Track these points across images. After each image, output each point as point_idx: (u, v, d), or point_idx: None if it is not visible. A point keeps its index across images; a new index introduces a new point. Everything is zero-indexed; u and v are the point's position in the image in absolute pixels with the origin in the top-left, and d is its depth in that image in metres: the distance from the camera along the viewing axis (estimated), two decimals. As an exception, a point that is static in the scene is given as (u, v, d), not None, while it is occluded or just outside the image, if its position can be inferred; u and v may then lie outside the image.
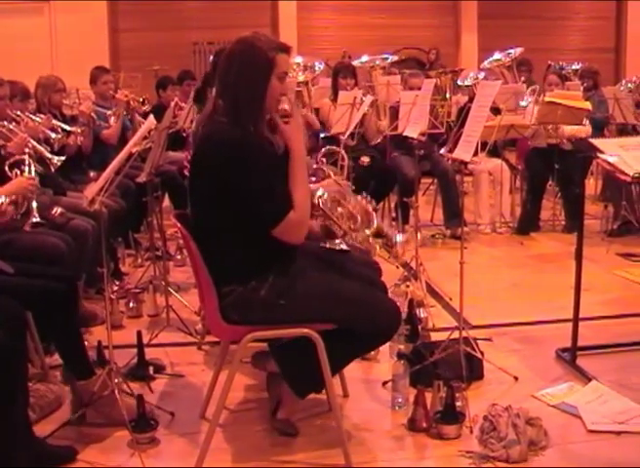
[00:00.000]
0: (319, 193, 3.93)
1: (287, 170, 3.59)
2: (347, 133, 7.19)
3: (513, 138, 8.50)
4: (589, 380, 4.41)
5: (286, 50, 3.58)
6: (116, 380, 4.07)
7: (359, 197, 4.11)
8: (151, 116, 4.85)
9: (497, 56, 10.73)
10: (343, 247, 3.97)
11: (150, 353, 4.74)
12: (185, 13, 15.48)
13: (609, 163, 4.35)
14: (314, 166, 4.74)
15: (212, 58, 5.53)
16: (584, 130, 8.12)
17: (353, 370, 4.07)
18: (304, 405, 3.97)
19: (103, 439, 3.85)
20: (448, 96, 10.14)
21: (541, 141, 8.21)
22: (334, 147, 5.33)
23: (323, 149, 5.02)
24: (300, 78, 9.15)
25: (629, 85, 10.70)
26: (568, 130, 8.12)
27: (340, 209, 4.00)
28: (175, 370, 4.70)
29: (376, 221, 4.09)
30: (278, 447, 3.79)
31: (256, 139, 3.49)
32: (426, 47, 15.54)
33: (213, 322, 3.64)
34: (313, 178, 4.61)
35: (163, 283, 5.59)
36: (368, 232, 4.09)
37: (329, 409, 3.89)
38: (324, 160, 4.97)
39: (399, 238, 4.16)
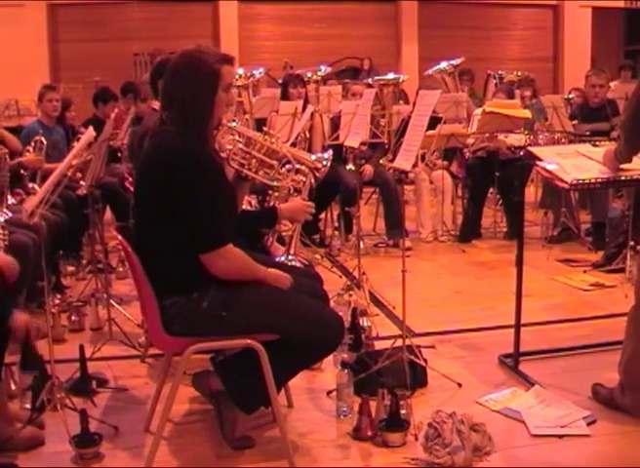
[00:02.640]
0: (228, 146, 3.99)
1: (234, 196, 3.63)
2: (289, 143, 7.20)
3: (454, 147, 8.57)
4: (532, 385, 4.45)
5: (230, 61, 3.59)
6: (59, 395, 4.02)
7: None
8: (90, 128, 4.82)
9: (442, 64, 10.84)
10: (294, 263, 4.01)
11: (93, 367, 4.69)
12: (126, 23, 15.38)
13: (547, 171, 4.40)
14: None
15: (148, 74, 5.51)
16: (524, 139, 8.23)
17: (297, 379, 4.05)
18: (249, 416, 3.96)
19: (46, 455, 3.80)
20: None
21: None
22: (301, 167, 5.35)
23: (288, 165, 5.03)
24: (239, 83, 9.15)
25: (570, 95, 10.86)
26: (507, 141, 8.23)
27: (253, 160, 4.05)
28: (118, 384, 4.65)
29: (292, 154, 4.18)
30: (224, 458, 3.76)
31: (205, 153, 3.50)
32: (366, 57, 15.60)
33: (155, 334, 3.62)
34: (276, 194, 4.63)
35: (105, 296, 5.54)
36: (299, 197, 4.22)
37: (274, 419, 3.88)
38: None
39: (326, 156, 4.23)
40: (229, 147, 4.05)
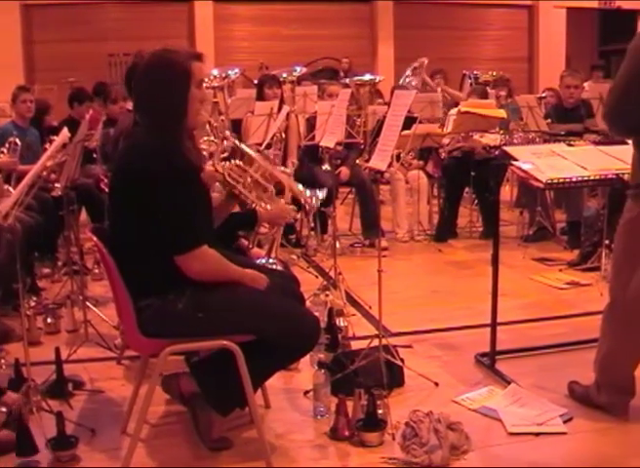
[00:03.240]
0: (223, 164, 4.00)
1: (209, 197, 3.67)
2: (265, 143, 7.20)
3: (430, 147, 8.59)
4: (508, 384, 4.47)
5: (199, 57, 3.59)
6: (35, 398, 4.00)
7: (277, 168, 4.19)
8: (65, 129, 4.80)
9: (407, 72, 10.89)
10: (275, 267, 4.02)
11: (69, 369, 4.66)
12: (101, 24, 15.32)
13: (522, 170, 4.42)
14: None
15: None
16: (499, 138, 8.27)
17: (274, 380, 4.05)
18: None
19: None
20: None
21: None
22: (283, 168, 5.37)
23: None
24: (214, 84, 9.14)
25: (543, 94, 10.92)
26: (483, 141, 8.27)
27: (248, 178, 4.04)
28: (94, 386, 4.63)
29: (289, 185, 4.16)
30: (201, 460, 3.75)
31: (180, 154, 3.49)
32: (342, 57, 15.61)
33: (131, 336, 3.61)
34: None
35: (81, 297, 5.52)
36: (282, 200, 4.18)
37: (251, 420, 3.88)
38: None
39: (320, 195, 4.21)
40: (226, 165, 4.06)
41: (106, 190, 4.34)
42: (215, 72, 9.83)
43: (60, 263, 7.14)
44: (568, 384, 4.33)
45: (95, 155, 8.00)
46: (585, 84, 9.28)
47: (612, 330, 4.02)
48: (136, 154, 3.51)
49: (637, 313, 3.89)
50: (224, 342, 3.51)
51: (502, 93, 10.37)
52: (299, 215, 7.71)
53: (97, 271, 6.85)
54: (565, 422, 4.02)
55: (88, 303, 5.55)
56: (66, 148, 5.55)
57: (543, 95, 10.83)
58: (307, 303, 4.16)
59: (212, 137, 5.12)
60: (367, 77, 9.43)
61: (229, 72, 10.20)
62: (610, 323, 4.04)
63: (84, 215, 7.83)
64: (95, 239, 3.63)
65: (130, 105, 4.78)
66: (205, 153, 5.25)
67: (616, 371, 4.04)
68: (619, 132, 4.05)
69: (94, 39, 15.10)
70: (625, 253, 3.89)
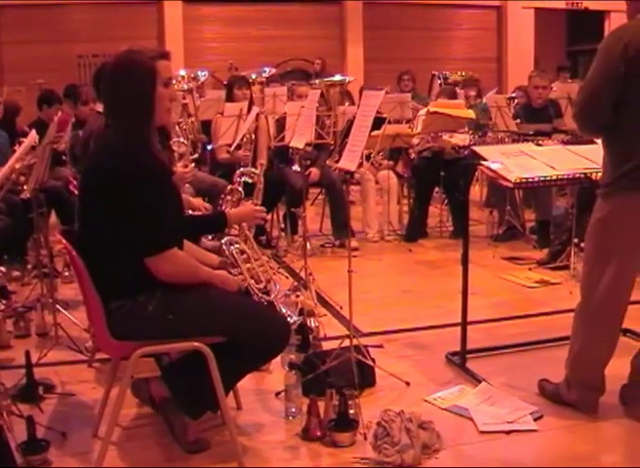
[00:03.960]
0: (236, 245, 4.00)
1: (179, 198, 3.68)
2: (234, 144, 7.20)
3: (399, 147, 8.61)
4: (479, 382, 4.49)
5: (165, 56, 3.59)
6: (4, 402, 3.97)
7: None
8: (33, 131, 4.78)
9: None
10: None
11: (40, 373, 4.63)
12: (70, 25, 15.22)
13: (491, 170, 4.44)
14: (230, 186, 4.75)
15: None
16: (468, 138, 8.32)
17: (246, 381, 4.04)
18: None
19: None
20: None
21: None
22: (251, 169, 5.36)
23: (239, 170, 5.03)
24: (184, 87, 9.13)
25: (513, 95, 10.98)
26: (452, 141, 8.31)
27: (247, 265, 4.03)
28: (65, 390, 4.60)
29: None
30: (174, 461, 3.74)
31: (150, 155, 3.48)
32: (312, 58, 15.62)
33: (101, 339, 3.60)
34: (228, 198, 4.61)
35: (51, 300, 5.49)
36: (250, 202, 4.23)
37: (223, 422, 3.88)
38: (240, 180, 4.96)
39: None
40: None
41: (76, 192, 4.32)
42: (182, 73, 9.82)
43: (29, 266, 7.09)
44: (538, 382, 4.35)
45: (64, 157, 7.96)
46: (554, 84, 9.34)
47: (583, 328, 4.04)
48: (105, 155, 3.50)
49: (608, 312, 3.93)
50: (195, 344, 3.50)
51: (472, 93, 10.41)
52: (268, 216, 7.74)
53: (67, 274, 6.81)
54: (535, 420, 4.05)
55: (58, 306, 5.52)
56: (35, 150, 5.52)
57: (513, 95, 10.89)
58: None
59: (181, 139, 5.12)
60: (337, 78, 9.44)
61: (198, 74, 10.20)
62: (581, 322, 4.06)
63: (53, 218, 7.77)
64: (64, 241, 3.62)
65: (99, 107, 4.76)
66: (175, 154, 5.26)
67: (586, 370, 4.06)
68: (589, 131, 4.08)
69: (62, 40, 15.00)
70: (596, 252, 3.91)
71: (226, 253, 3.99)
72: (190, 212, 4.96)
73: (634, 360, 4.14)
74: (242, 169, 4.65)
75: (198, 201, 5.31)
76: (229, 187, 4.63)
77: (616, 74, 3.62)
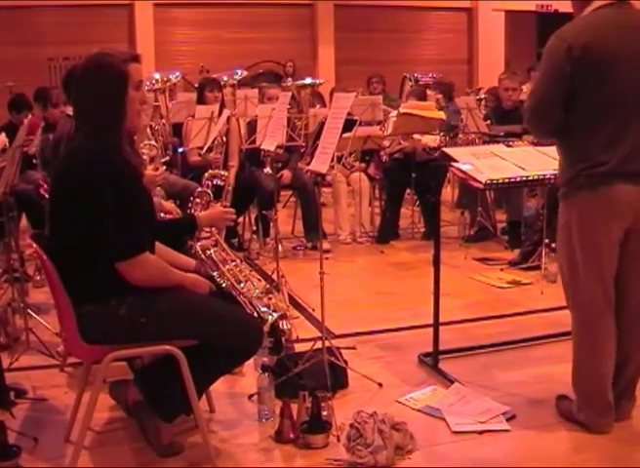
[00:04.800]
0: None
1: (151, 202, 3.68)
2: (205, 147, 7.19)
3: (371, 149, 8.63)
4: (451, 383, 4.50)
5: (136, 58, 3.58)
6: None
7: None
8: (3, 134, 4.75)
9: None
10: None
11: (11, 377, 4.60)
12: (40, 27, 15.11)
13: (462, 171, 4.47)
14: (199, 189, 4.74)
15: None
16: (438, 139, 8.35)
17: (218, 384, 4.03)
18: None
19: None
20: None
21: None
22: (220, 171, 5.34)
23: (208, 172, 5.02)
24: (156, 87, 9.10)
25: (482, 96, 11.03)
26: (423, 140, 8.33)
27: (227, 266, 4.03)
28: (37, 394, 4.57)
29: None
30: (146, 465, 3.73)
31: (120, 159, 3.47)
32: (284, 60, 15.62)
33: (73, 343, 3.58)
34: (198, 200, 4.60)
35: (22, 305, 5.45)
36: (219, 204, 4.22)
37: (196, 425, 3.87)
38: (209, 183, 4.95)
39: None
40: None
41: (46, 196, 4.31)
42: (156, 76, 9.78)
43: (0, 270, 7.04)
44: (555, 398, 4.22)
45: (35, 160, 7.91)
46: (524, 86, 9.37)
47: (576, 343, 3.95)
48: (76, 159, 3.48)
49: (593, 320, 3.83)
50: (167, 347, 3.50)
51: (438, 96, 10.42)
52: (240, 219, 7.74)
53: (38, 278, 6.76)
54: (508, 420, 4.07)
55: (29, 311, 5.48)
56: (5, 154, 5.49)
57: (482, 96, 10.93)
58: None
59: (153, 142, 5.10)
60: (308, 80, 9.45)
61: (170, 76, 10.16)
62: (573, 336, 3.98)
63: (24, 222, 7.73)
64: (35, 246, 3.60)
65: (69, 110, 4.74)
66: (146, 157, 5.24)
67: (589, 387, 3.92)
68: (542, 134, 4.12)
69: (33, 43, 14.89)
70: (568, 259, 3.88)
71: (203, 256, 3.99)
72: (162, 215, 4.95)
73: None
74: (210, 171, 4.63)
75: (169, 204, 5.30)
76: (198, 190, 4.62)
77: (562, 76, 3.61)
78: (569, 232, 3.80)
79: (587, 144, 3.68)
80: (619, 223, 3.69)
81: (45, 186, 6.43)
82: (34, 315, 5.57)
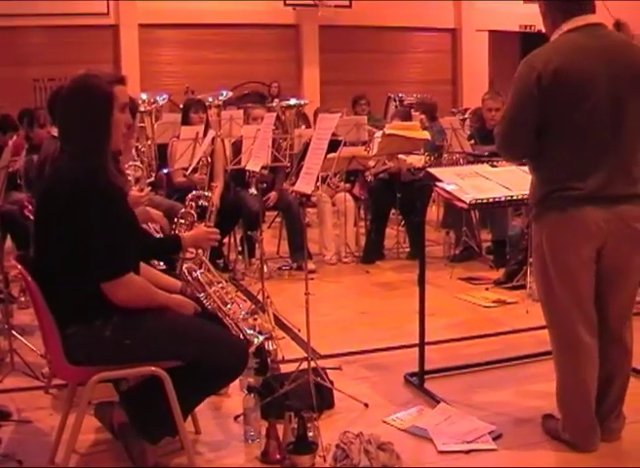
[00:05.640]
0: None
1: (135, 223, 3.69)
2: (190, 168, 7.20)
3: (356, 170, 8.65)
4: (437, 403, 4.50)
5: (122, 81, 3.59)
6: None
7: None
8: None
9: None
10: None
11: (-5, 400, 4.59)
12: (25, 48, 15.12)
13: (446, 191, 4.48)
14: (183, 210, 4.74)
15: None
16: (423, 159, 8.38)
17: (204, 405, 4.02)
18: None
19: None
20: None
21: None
22: (203, 192, 5.33)
23: (191, 193, 5.03)
24: (142, 109, 9.11)
25: (466, 115, 11.08)
26: (407, 160, 8.36)
27: (213, 287, 4.04)
28: (21, 417, 4.54)
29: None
30: (132, 487, 3.72)
31: (105, 179, 3.47)
32: (269, 81, 15.65)
33: (58, 364, 3.57)
34: (182, 221, 4.60)
35: (6, 326, 5.43)
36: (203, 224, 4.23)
37: (181, 446, 3.85)
38: (193, 204, 4.96)
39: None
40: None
41: (31, 217, 4.30)
42: (143, 96, 9.81)
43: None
44: (541, 417, 4.22)
45: (19, 181, 7.90)
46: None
47: (557, 363, 3.96)
48: (61, 180, 3.48)
49: (571, 339, 3.81)
50: (152, 368, 3.49)
51: (422, 116, 10.45)
52: (225, 240, 7.73)
53: (22, 299, 6.73)
54: (494, 439, 4.06)
55: (14, 332, 5.45)
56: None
57: (465, 116, 10.98)
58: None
59: (138, 163, 5.10)
60: (292, 101, 9.48)
61: (157, 98, 10.19)
62: (553, 355, 3.99)
63: (9, 243, 7.70)
64: (19, 267, 3.59)
65: (55, 131, 4.74)
66: (131, 178, 5.24)
67: (573, 407, 3.91)
68: (512, 160, 4.14)
69: (18, 63, 14.90)
70: (543, 279, 3.89)
71: (190, 278, 3.99)
72: (150, 224, 4.95)
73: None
74: (194, 192, 4.64)
75: (157, 212, 5.28)
76: (182, 211, 4.63)
77: (532, 104, 3.62)
78: (542, 253, 3.81)
79: (559, 168, 3.69)
80: (589, 243, 3.69)
81: (30, 207, 6.42)
82: (19, 336, 5.54)
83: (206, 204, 5.09)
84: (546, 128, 3.66)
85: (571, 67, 3.58)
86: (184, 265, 4.16)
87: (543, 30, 3.95)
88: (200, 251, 4.38)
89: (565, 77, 3.56)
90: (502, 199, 4.47)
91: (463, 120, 10.40)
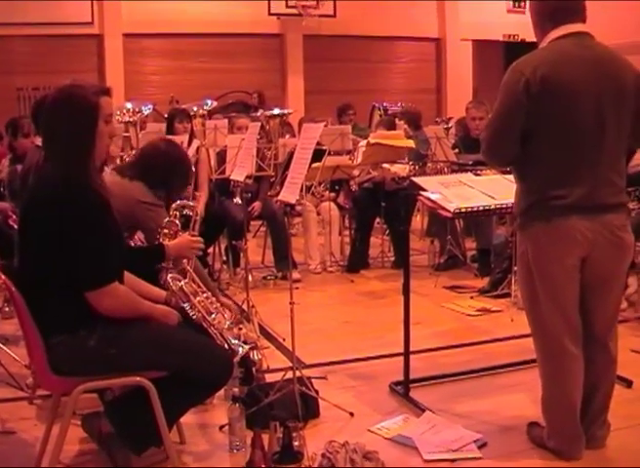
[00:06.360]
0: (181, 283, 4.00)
1: (120, 232, 3.68)
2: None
3: (340, 179, 8.66)
4: (423, 411, 4.50)
5: (107, 92, 3.59)
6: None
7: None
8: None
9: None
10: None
11: (-22, 411, 4.57)
12: (9, 57, 15.02)
13: (431, 200, 4.49)
14: (167, 219, 4.73)
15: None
16: (408, 168, 8.40)
17: (189, 415, 4.02)
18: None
19: None
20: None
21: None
22: (187, 202, 5.32)
23: (176, 203, 5.03)
24: (127, 118, 9.08)
25: (450, 125, 11.11)
26: (392, 169, 8.37)
27: (198, 297, 4.03)
28: (5, 427, 4.52)
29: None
30: (116, 498, 3.71)
31: (90, 189, 3.46)
32: (253, 90, 15.64)
33: (42, 375, 3.56)
34: (166, 231, 4.59)
35: (-10, 337, 5.41)
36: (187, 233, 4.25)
37: (166, 456, 3.84)
38: (177, 213, 4.95)
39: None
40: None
41: (15, 226, 4.28)
42: (128, 105, 9.77)
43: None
44: (527, 425, 4.23)
45: (3, 191, 7.86)
46: (490, 115, 9.45)
47: (542, 371, 3.97)
48: (44, 189, 3.48)
49: (556, 347, 3.82)
50: (137, 378, 3.48)
51: (405, 126, 10.47)
52: (210, 249, 7.71)
53: (7, 309, 6.71)
54: (480, 448, 4.07)
55: (-3, 342, 5.44)
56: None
57: (450, 125, 11.01)
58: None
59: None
60: (276, 111, 9.47)
61: (143, 108, 10.15)
62: (539, 363, 4.00)
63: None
64: (3, 277, 3.58)
65: (39, 141, 4.72)
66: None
67: (558, 416, 3.93)
68: (497, 166, 4.16)
69: (1, 72, 14.82)
70: (527, 288, 3.90)
71: (174, 288, 3.98)
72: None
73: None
74: (178, 201, 4.63)
75: None
76: (166, 220, 4.63)
77: (519, 110, 3.63)
78: (527, 262, 3.82)
79: (544, 177, 3.70)
80: (574, 252, 3.70)
81: (14, 217, 6.40)
82: (3, 347, 5.52)
83: (190, 213, 5.07)
84: (532, 135, 3.67)
85: (558, 75, 3.59)
86: (169, 275, 4.15)
87: (527, 40, 3.96)
88: (185, 260, 4.37)
89: (552, 85, 3.58)
90: (487, 207, 4.48)
91: (448, 129, 10.41)
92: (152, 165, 4.95)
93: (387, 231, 9.06)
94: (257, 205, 8.10)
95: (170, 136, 7.72)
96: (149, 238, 4.73)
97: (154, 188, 4.90)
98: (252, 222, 8.88)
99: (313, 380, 4.75)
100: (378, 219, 8.92)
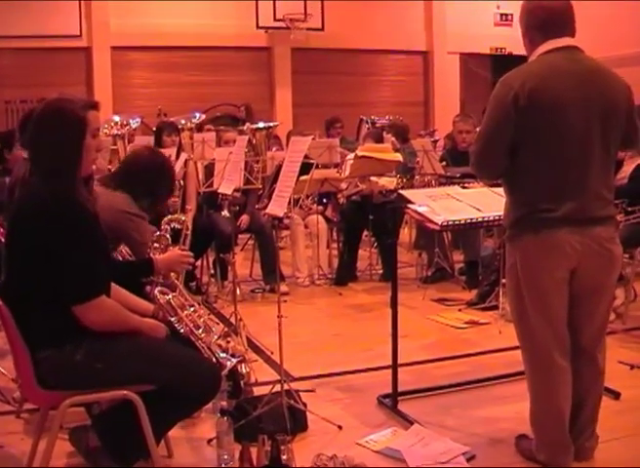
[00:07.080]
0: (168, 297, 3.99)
1: (107, 245, 3.68)
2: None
3: (328, 192, 8.67)
4: (411, 424, 4.50)
5: (95, 106, 3.60)
6: None
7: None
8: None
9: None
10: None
11: (-35, 425, 4.54)
12: (-3, 69, 15.05)
13: (418, 213, 4.50)
14: (157, 233, 4.73)
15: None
16: (395, 181, 8.42)
17: (177, 428, 4.01)
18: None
19: None
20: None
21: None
22: (178, 216, 5.32)
23: (166, 217, 5.03)
24: (115, 131, 9.09)
25: (436, 137, 11.15)
26: (380, 182, 8.39)
27: (185, 311, 4.02)
28: (-8, 442, 4.52)
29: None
30: (103, 513, 3.69)
31: (76, 202, 3.46)
32: (240, 103, 15.65)
33: (29, 389, 3.54)
34: (156, 245, 4.59)
35: (-24, 351, 5.39)
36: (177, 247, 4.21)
37: (154, 471, 3.83)
38: (167, 227, 4.95)
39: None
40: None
41: (2, 240, 4.27)
42: (116, 118, 9.77)
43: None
44: (515, 437, 4.23)
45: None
46: (478, 127, 9.48)
47: (530, 382, 3.96)
48: (31, 203, 3.47)
49: (544, 358, 3.82)
50: (124, 392, 3.47)
51: (392, 139, 10.50)
52: (198, 263, 7.70)
53: (-7, 323, 6.68)
54: (468, 460, 4.07)
55: (-16, 356, 5.42)
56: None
57: (436, 138, 11.04)
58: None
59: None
60: (261, 124, 9.50)
61: (131, 121, 10.16)
62: (527, 375, 3.99)
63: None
64: (-11, 291, 3.57)
65: (25, 154, 4.71)
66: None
67: (547, 427, 3.91)
68: (486, 179, 4.17)
69: (-11, 85, 14.83)
70: (516, 300, 3.90)
71: (162, 301, 3.98)
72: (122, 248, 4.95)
73: None
74: (169, 216, 4.63)
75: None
76: (156, 234, 4.62)
77: (508, 123, 3.64)
78: (515, 274, 3.82)
79: (533, 189, 3.71)
80: (563, 265, 3.71)
81: (1, 230, 6.38)
82: (-11, 361, 5.51)
83: (179, 227, 5.07)
84: (521, 148, 3.68)
85: (546, 89, 3.60)
86: (157, 289, 4.15)
87: (514, 53, 3.98)
88: (174, 274, 4.37)
89: (540, 98, 3.59)
90: (474, 220, 4.49)
91: (435, 141, 10.44)
92: (135, 172, 4.93)
93: (375, 244, 9.06)
94: (244, 218, 8.10)
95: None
96: (134, 250, 4.71)
97: (139, 198, 4.88)
98: (240, 235, 8.89)
99: (301, 393, 4.74)
100: (365, 232, 8.93)
